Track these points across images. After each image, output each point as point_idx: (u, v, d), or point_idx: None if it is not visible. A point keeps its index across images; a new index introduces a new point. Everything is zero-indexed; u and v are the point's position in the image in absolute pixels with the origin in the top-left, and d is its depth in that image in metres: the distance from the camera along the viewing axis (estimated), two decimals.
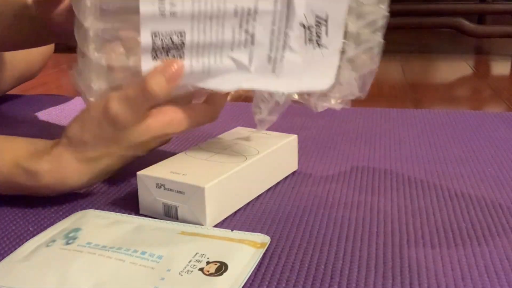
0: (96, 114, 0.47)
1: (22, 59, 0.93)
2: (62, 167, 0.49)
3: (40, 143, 0.51)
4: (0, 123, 0.82)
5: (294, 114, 0.84)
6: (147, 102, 0.46)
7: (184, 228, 0.45)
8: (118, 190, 0.55)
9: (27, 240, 0.45)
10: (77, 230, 0.45)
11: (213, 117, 0.51)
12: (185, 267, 0.39)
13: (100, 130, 0.47)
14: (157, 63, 0.46)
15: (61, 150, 0.49)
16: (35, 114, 0.87)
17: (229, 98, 0.52)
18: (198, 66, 0.46)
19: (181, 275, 0.38)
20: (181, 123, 0.49)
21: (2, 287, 0.38)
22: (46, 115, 0.87)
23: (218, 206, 0.47)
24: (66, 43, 0.66)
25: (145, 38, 0.45)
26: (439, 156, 0.65)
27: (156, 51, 0.46)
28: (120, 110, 0.46)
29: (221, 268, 0.39)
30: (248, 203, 0.52)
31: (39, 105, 0.92)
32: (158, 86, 0.45)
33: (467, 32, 1.43)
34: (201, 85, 0.48)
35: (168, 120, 0.48)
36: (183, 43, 0.45)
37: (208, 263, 0.39)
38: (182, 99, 0.49)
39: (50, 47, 0.99)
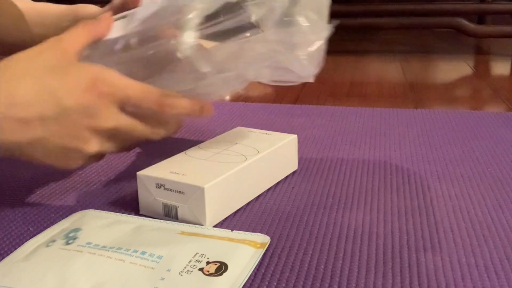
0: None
1: None
2: None
3: None
4: None
5: (294, 114, 0.84)
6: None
7: (184, 228, 0.45)
8: (118, 190, 0.55)
9: (27, 240, 0.45)
10: (77, 230, 0.45)
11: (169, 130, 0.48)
12: (185, 267, 0.39)
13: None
14: None
15: None
16: None
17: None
18: None
19: (181, 275, 0.38)
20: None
21: (2, 287, 0.38)
22: None
23: (218, 206, 0.47)
24: None
25: None
26: (439, 156, 0.65)
27: None
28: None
29: (221, 268, 0.39)
30: (248, 203, 0.52)
31: None
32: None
33: (467, 32, 1.43)
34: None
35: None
36: None
37: (208, 263, 0.39)
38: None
39: None
